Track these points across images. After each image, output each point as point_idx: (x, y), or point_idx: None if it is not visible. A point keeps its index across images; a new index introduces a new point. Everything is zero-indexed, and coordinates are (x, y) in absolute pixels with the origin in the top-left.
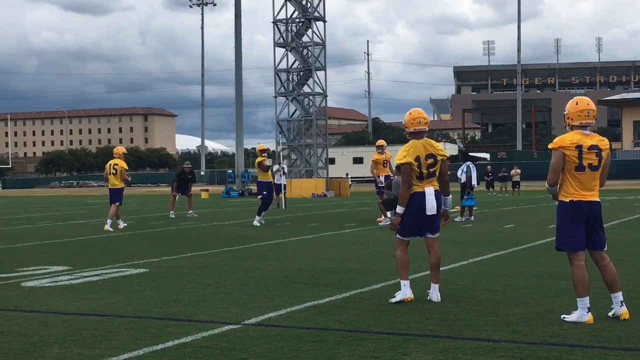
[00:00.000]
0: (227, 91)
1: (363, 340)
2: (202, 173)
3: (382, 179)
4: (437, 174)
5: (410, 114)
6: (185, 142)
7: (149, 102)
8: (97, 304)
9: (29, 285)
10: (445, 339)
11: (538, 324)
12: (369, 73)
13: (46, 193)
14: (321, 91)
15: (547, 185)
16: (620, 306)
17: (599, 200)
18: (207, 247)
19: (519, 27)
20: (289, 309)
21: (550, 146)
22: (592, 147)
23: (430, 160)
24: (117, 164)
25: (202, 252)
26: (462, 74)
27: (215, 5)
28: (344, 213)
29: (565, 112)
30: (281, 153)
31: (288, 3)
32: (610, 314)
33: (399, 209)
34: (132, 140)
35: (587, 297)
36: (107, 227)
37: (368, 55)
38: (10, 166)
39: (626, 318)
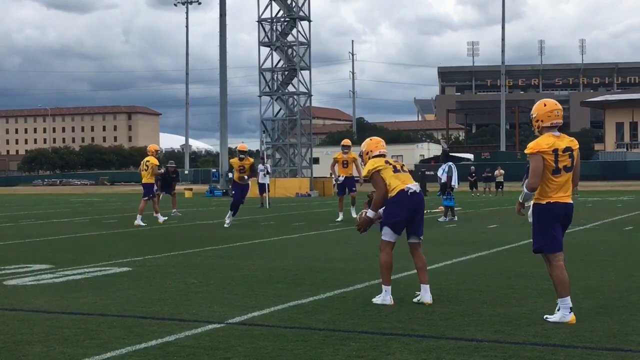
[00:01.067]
0: (211, 90)
1: (346, 340)
2: (186, 172)
3: (341, 179)
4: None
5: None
6: (169, 141)
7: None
8: (79, 303)
9: (11, 284)
10: (428, 339)
11: (521, 324)
12: (353, 73)
13: (29, 191)
14: (306, 91)
15: (525, 189)
16: (570, 312)
17: (572, 202)
18: (191, 246)
19: (503, 28)
20: (272, 309)
21: (527, 152)
22: (566, 149)
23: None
24: (148, 161)
25: (186, 251)
26: (447, 75)
27: (200, 3)
28: (328, 213)
29: (534, 116)
30: (265, 152)
31: (273, 2)
32: (564, 319)
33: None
34: (115, 139)
35: (569, 297)
36: (138, 221)
37: (353, 55)
38: None
39: (573, 323)
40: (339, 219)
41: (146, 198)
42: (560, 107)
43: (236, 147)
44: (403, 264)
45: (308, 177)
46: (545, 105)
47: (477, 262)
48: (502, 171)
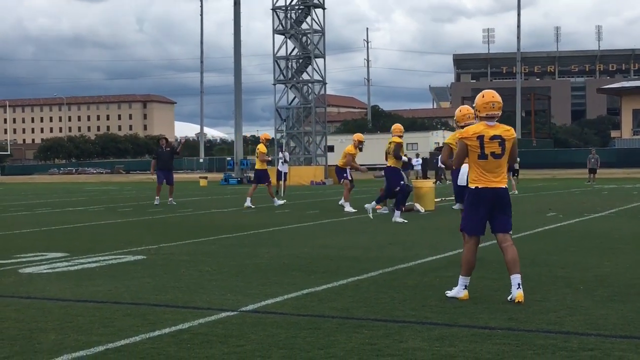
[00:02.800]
0: (225, 78)
1: (360, 328)
2: (201, 160)
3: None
4: None
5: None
6: (184, 130)
7: (147, 89)
8: (94, 291)
9: (27, 272)
10: (441, 327)
11: (534, 311)
12: (368, 60)
13: (45, 180)
14: (320, 79)
15: (440, 161)
16: (517, 288)
17: (504, 186)
18: (205, 234)
19: (518, 15)
20: (285, 296)
21: (457, 136)
22: (494, 137)
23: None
24: (258, 148)
25: (200, 239)
26: (462, 62)
27: None
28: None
29: (474, 105)
30: (283, 141)
31: None
32: (508, 298)
33: None
34: (131, 128)
35: (469, 277)
36: (247, 203)
37: (367, 42)
38: (9, 153)
39: (520, 301)
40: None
41: (256, 184)
42: (498, 99)
43: (252, 135)
44: (416, 252)
45: (323, 165)
46: (483, 96)
47: (490, 250)
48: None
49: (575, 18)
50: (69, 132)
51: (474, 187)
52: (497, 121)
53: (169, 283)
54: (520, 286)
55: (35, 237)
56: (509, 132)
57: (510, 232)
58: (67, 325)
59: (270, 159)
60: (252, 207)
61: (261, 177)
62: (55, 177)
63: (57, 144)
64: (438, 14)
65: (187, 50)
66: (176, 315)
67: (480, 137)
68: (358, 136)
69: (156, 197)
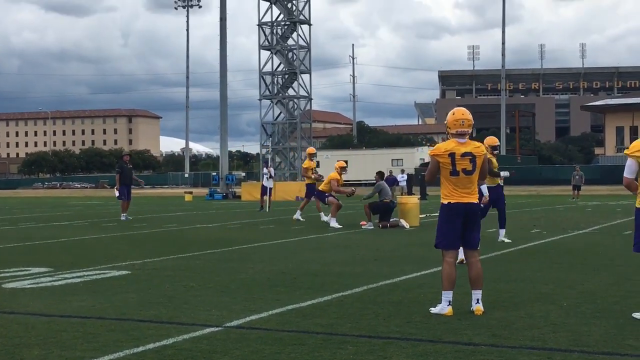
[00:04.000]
0: (210, 93)
1: (344, 344)
2: (186, 175)
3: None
4: None
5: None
6: (170, 144)
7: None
8: (78, 306)
9: (10, 287)
10: (425, 343)
11: (518, 327)
12: (354, 76)
13: (29, 194)
14: (306, 94)
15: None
16: (477, 303)
17: (476, 202)
18: (190, 249)
19: (503, 32)
20: (270, 312)
21: (428, 152)
22: (465, 154)
23: None
24: (302, 164)
25: (185, 254)
26: (447, 79)
27: (200, 7)
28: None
29: (446, 122)
30: (269, 157)
31: (273, 6)
32: (471, 309)
33: None
34: (116, 142)
35: (451, 292)
36: (296, 216)
37: (353, 58)
38: None
39: (480, 314)
40: (368, 224)
41: (307, 199)
42: (468, 117)
43: (237, 151)
44: (401, 268)
45: None
46: (454, 114)
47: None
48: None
49: (559, 36)
50: (53, 147)
51: (446, 203)
52: (468, 138)
53: (153, 298)
54: (480, 301)
55: (18, 252)
56: (480, 149)
57: (478, 249)
58: (51, 341)
59: (314, 175)
60: (301, 219)
61: (307, 191)
62: (39, 192)
63: (42, 158)
64: (422, 30)
65: (172, 65)
66: (160, 330)
67: (452, 154)
68: (340, 163)
69: (122, 214)
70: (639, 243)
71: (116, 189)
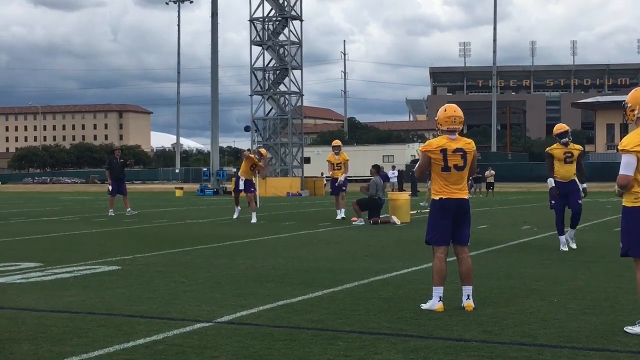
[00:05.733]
0: (200, 89)
1: (335, 339)
2: (177, 171)
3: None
4: None
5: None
6: (160, 140)
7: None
8: (68, 301)
9: (0, 282)
10: (416, 339)
11: (509, 324)
12: (345, 73)
13: (19, 189)
14: (297, 90)
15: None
16: (467, 299)
17: (466, 197)
18: (181, 244)
19: (494, 29)
20: (261, 308)
21: (419, 148)
22: (457, 150)
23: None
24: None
25: (175, 249)
26: (438, 75)
27: (192, 2)
28: (318, 212)
29: (437, 119)
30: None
31: (265, 1)
32: (462, 305)
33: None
34: (106, 137)
35: (442, 287)
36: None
37: (345, 54)
38: None
39: (470, 310)
40: (359, 220)
41: (335, 195)
42: (459, 114)
43: (229, 146)
44: (392, 264)
45: (299, 177)
46: (445, 110)
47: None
48: (492, 172)
49: (548, 33)
50: (43, 142)
51: (438, 199)
52: (458, 134)
53: (144, 294)
54: (470, 297)
55: (8, 247)
56: (470, 145)
57: (468, 244)
58: (41, 336)
59: (338, 170)
60: (339, 218)
61: (332, 187)
62: (29, 187)
63: (32, 153)
64: (412, 27)
65: (162, 60)
66: (151, 326)
67: (444, 150)
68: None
69: (110, 210)
70: (626, 246)
71: (108, 184)
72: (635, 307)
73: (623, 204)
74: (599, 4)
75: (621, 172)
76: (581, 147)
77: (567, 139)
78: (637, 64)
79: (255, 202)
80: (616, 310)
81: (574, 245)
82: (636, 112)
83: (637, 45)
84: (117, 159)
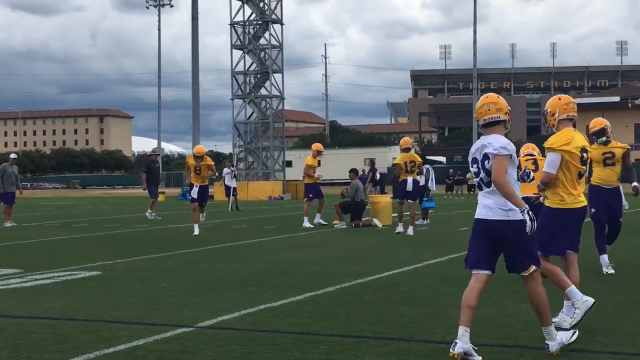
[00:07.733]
0: (181, 93)
1: (316, 343)
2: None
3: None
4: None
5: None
6: (142, 144)
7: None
8: (48, 307)
9: None
10: (397, 341)
11: (490, 325)
12: (326, 76)
13: None
14: (278, 94)
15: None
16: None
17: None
18: (162, 249)
19: (474, 32)
20: (242, 312)
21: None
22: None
23: None
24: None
25: (156, 254)
26: (419, 78)
27: (172, 6)
28: (300, 216)
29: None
30: (236, 155)
31: (245, 5)
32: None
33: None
34: (87, 142)
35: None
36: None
37: (326, 58)
38: None
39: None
40: (340, 224)
41: (308, 201)
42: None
43: (210, 150)
44: (373, 267)
45: (281, 180)
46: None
47: (447, 265)
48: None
49: (527, 35)
50: (24, 147)
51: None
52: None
53: (124, 299)
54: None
55: None
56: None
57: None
58: (20, 343)
59: (315, 174)
60: (311, 225)
61: (305, 192)
62: None
63: None
64: (391, 30)
65: (142, 64)
66: (131, 331)
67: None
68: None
69: (152, 212)
70: (544, 247)
71: (143, 188)
72: (615, 308)
73: (547, 204)
74: (577, 7)
75: (545, 169)
76: (626, 145)
77: (605, 137)
78: (616, 66)
79: (237, 206)
80: (596, 311)
81: (612, 271)
82: (557, 115)
83: (616, 48)
84: (155, 163)
